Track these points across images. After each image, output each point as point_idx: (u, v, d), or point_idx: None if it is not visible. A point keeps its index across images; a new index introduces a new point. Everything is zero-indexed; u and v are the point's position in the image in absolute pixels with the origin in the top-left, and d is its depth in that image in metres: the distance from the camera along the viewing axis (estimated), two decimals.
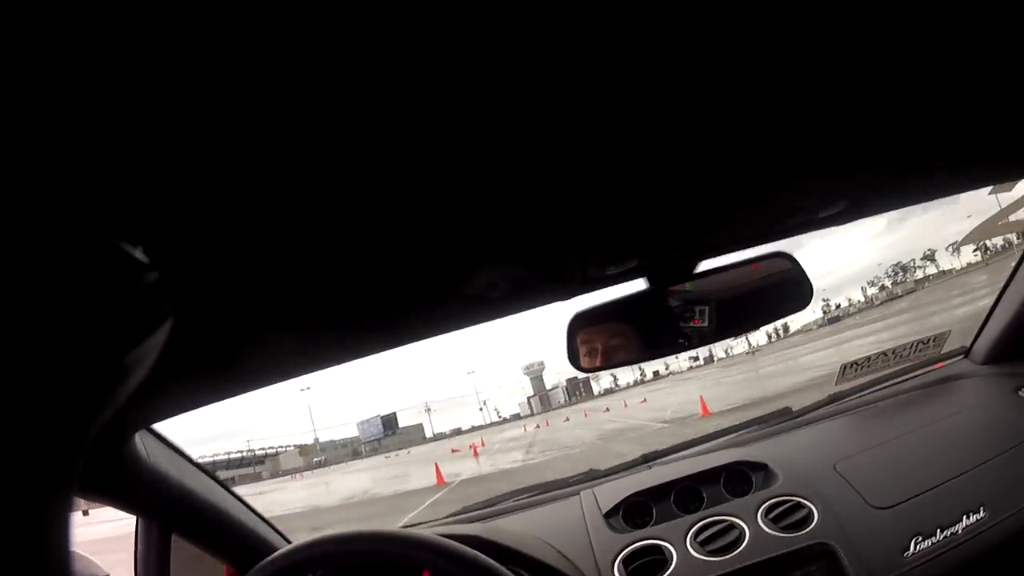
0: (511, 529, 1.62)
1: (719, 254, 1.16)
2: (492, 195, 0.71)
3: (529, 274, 0.99)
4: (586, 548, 1.54)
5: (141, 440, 1.19)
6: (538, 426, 44.08)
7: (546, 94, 0.55)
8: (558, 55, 0.51)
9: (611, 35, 0.51)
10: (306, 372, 1.11)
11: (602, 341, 1.21)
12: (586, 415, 39.31)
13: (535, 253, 0.92)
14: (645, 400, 35.09)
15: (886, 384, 2.18)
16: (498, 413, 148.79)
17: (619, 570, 1.47)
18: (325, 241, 0.70)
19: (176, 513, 1.36)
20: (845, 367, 2.33)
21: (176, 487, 1.30)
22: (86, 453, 0.37)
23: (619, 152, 0.70)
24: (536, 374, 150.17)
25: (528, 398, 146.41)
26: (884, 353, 2.33)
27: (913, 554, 1.43)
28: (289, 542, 1.64)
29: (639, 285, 1.17)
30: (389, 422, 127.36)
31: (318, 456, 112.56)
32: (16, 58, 0.35)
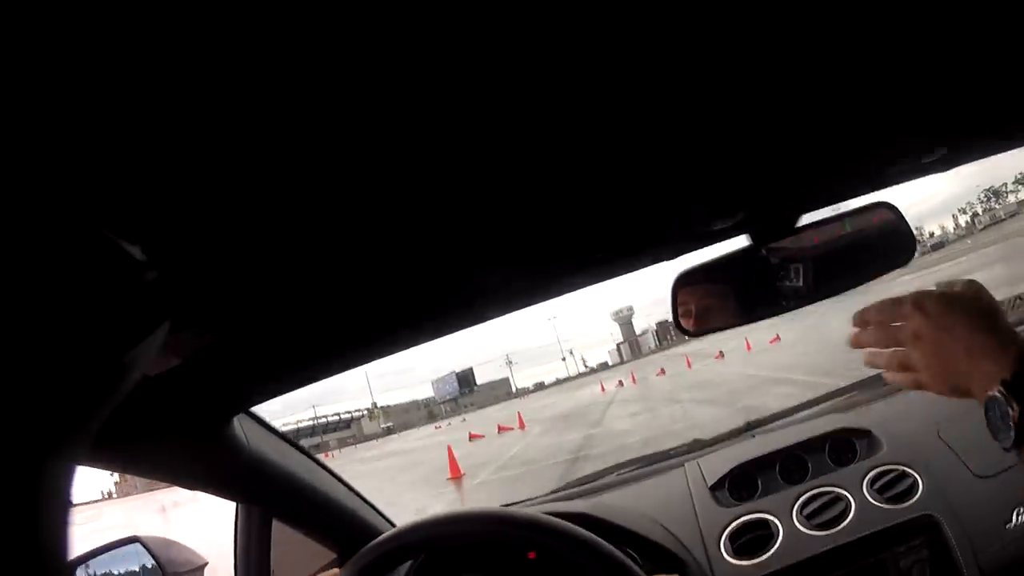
0: (617, 505, 1.65)
1: (822, 205, 1.17)
2: (603, 150, 0.71)
3: (636, 231, 1.00)
4: (692, 523, 1.57)
5: (240, 424, 1.22)
6: (621, 383, 35.92)
7: (647, 39, 0.54)
8: None
9: None
10: (401, 349, 1.13)
11: (700, 303, 1.22)
12: (689, 364, 31.59)
13: (643, 208, 0.92)
14: (748, 349, 28.31)
15: None
16: (584, 363, 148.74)
17: (726, 546, 1.49)
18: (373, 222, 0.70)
19: (277, 498, 1.41)
20: None
21: (277, 471, 1.33)
22: (86, 452, 0.39)
23: (730, 101, 0.69)
24: (625, 320, 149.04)
25: (618, 345, 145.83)
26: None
27: (1015, 526, 1.42)
28: (393, 525, 1.70)
29: (741, 243, 1.17)
30: (465, 379, 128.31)
31: (386, 422, 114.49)
32: (15, 56, 0.35)
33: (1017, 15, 0.72)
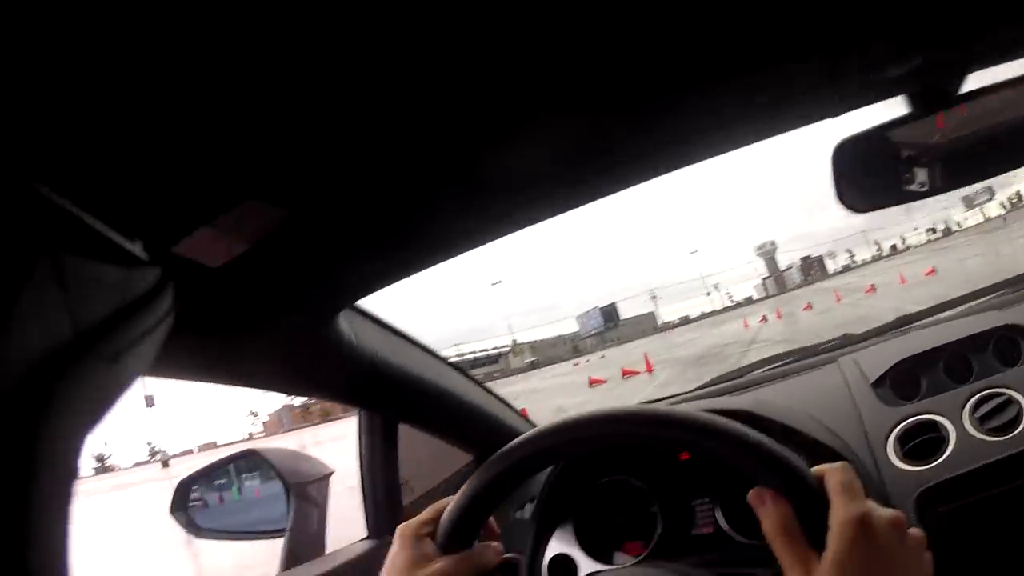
0: (775, 403, 1.54)
1: (997, 62, 1.01)
2: None
3: (801, 74, 0.85)
4: (855, 422, 1.46)
5: (347, 321, 1.12)
6: (764, 319, 33.55)
7: None
8: None
9: None
10: (502, 235, 1.04)
11: (863, 172, 1.09)
12: (838, 298, 29.71)
13: (811, 44, 0.78)
14: (904, 279, 25.85)
15: None
16: (730, 298, 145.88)
17: (894, 448, 1.38)
18: None
19: (398, 401, 1.34)
20: None
21: (396, 372, 1.24)
22: (82, 453, 0.38)
23: None
24: (769, 254, 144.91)
25: (762, 279, 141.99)
26: None
27: None
28: (534, 425, 1.56)
29: (897, 111, 1.03)
30: (609, 313, 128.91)
31: (532, 356, 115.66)
32: (14, 51, 0.36)
33: None
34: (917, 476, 1.32)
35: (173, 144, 0.52)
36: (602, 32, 0.61)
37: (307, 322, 1.04)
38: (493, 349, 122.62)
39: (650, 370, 22.77)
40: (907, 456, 1.36)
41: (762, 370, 1.89)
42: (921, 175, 1.12)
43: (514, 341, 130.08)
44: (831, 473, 0.75)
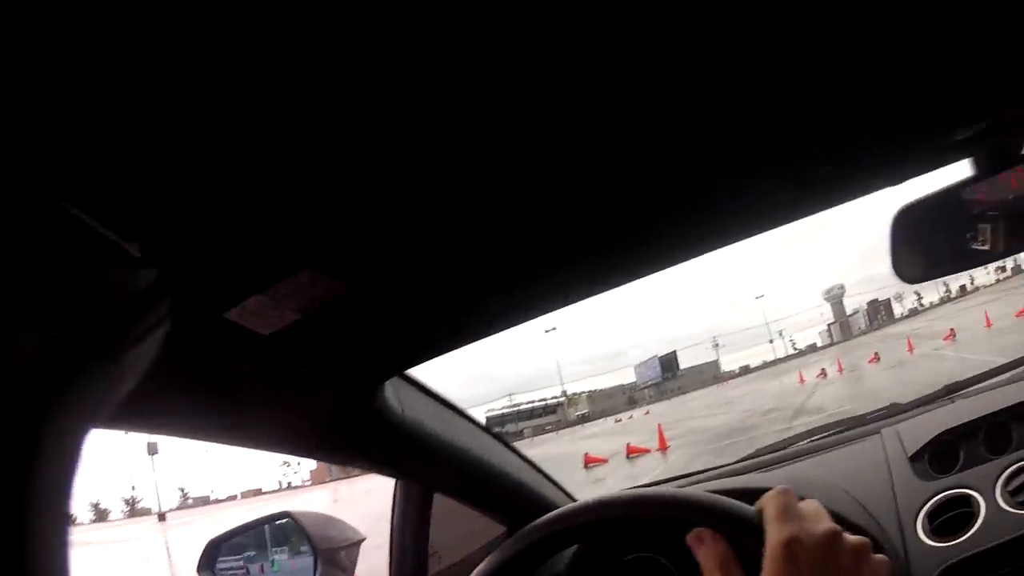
0: (806, 476, 1.58)
1: None
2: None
3: (865, 143, 0.83)
4: (888, 497, 1.45)
5: (394, 389, 1.12)
6: (824, 373, 31.12)
7: None
8: None
9: None
10: (554, 309, 1.03)
11: (923, 240, 1.08)
12: (911, 347, 26.44)
13: (876, 113, 0.76)
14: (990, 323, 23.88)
15: None
16: (793, 345, 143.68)
17: (923, 524, 1.36)
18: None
19: (438, 471, 1.33)
20: None
21: (438, 442, 1.23)
22: (82, 457, 0.37)
23: None
24: (836, 298, 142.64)
25: (828, 325, 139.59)
26: None
27: None
28: (572, 499, 1.62)
29: (961, 173, 1.00)
30: (668, 363, 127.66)
31: (588, 407, 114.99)
32: (12, 53, 0.36)
33: None
34: (942, 552, 1.31)
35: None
36: (655, 110, 0.61)
37: (353, 389, 1.03)
38: (551, 399, 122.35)
39: (664, 448, 19.93)
40: (936, 532, 1.34)
41: (806, 442, 1.90)
42: (983, 240, 1.07)
43: (564, 392, 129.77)
44: (767, 501, 0.75)
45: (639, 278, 1.01)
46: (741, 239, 0.98)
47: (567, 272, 0.94)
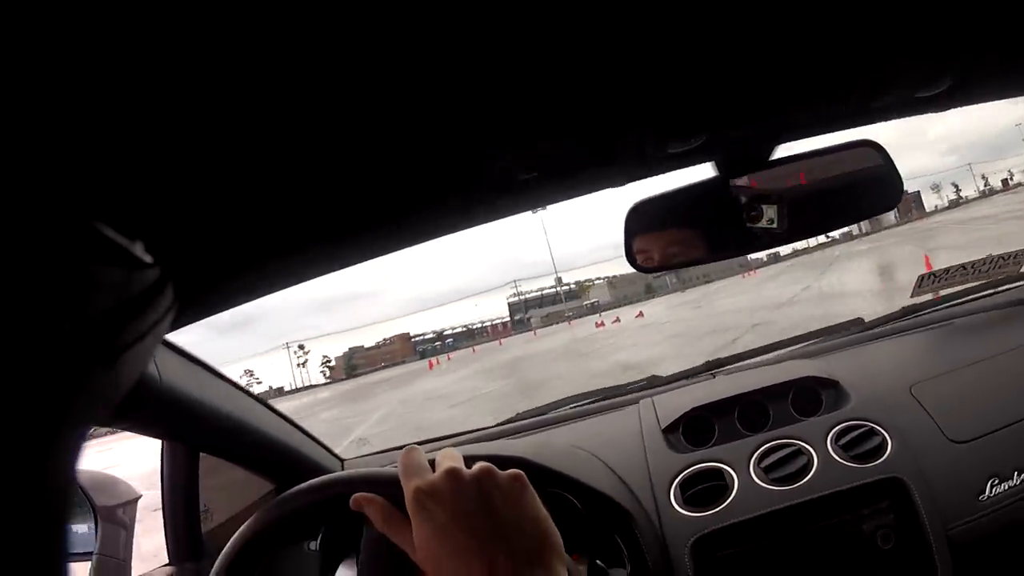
0: (562, 445, 1.62)
1: (798, 137, 1.08)
2: (523, 48, 0.59)
3: (571, 153, 0.89)
4: (641, 466, 1.53)
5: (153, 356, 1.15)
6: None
7: None
8: None
9: None
10: (330, 271, 1.08)
11: (667, 230, 1.16)
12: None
13: (579, 126, 0.81)
14: None
15: (965, 299, 2.09)
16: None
17: (676, 494, 1.45)
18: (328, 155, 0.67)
19: (199, 433, 1.37)
20: (922, 278, 2.24)
21: (197, 403, 1.26)
22: (82, 449, 0.38)
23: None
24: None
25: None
26: (963, 266, 2.22)
27: (988, 497, 1.37)
28: (338, 457, 1.72)
29: (705, 172, 1.09)
30: None
31: (612, 294, 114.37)
32: (14, 54, 0.36)
33: None
34: (696, 523, 1.39)
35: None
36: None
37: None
38: (573, 284, 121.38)
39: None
40: (689, 503, 1.42)
41: (565, 408, 1.97)
42: (714, 236, 1.16)
43: (558, 279, 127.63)
44: (399, 462, 0.82)
45: (401, 248, 1.08)
46: (470, 227, 1.09)
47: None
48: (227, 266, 0.88)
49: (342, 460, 1.80)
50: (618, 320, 29.27)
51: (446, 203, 0.98)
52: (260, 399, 1.52)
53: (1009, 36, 0.86)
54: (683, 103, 0.83)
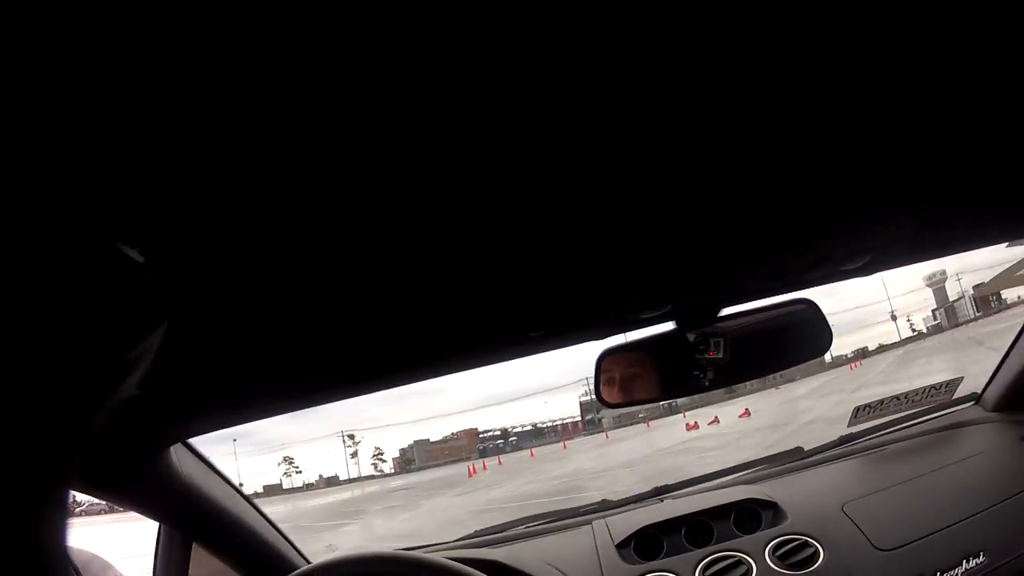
0: (525, 555, 1.76)
1: (745, 301, 1.28)
2: (545, 250, 0.81)
3: (569, 317, 1.11)
4: None
5: (176, 453, 1.35)
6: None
7: (579, 144, 0.59)
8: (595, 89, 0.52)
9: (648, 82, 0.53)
10: (338, 399, 1.27)
11: (630, 372, 1.33)
12: None
13: (578, 305, 1.05)
14: None
15: (897, 428, 2.28)
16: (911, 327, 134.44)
17: None
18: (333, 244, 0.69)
19: (199, 524, 1.54)
20: (858, 409, 2.42)
21: (204, 499, 1.46)
22: (84, 448, 0.40)
23: (657, 210, 0.78)
24: (939, 284, 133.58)
25: (932, 311, 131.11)
26: (896, 397, 2.43)
27: None
28: (307, 560, 1.80)
29: (666, 326, 1.26)
30: None
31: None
32: (16, 59, 0.36)
33: (938, 134, 0.79)
34: None
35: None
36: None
37: (142, 452, 1.25)
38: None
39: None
40: None
41: (524, 527, 2.10)
42: (671, 378, 1.33)
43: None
44: None
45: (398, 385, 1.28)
46: (484, 366, 1.28)
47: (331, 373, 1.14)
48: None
49: (309, 562, 1.87)
50: (716, 420, 23.92)
51: (472, 351, 1.19)
52: (252, 502, 1.68)
53: (919, 224, 1.08)
54: (655, 287, 1.05)
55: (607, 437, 40.18)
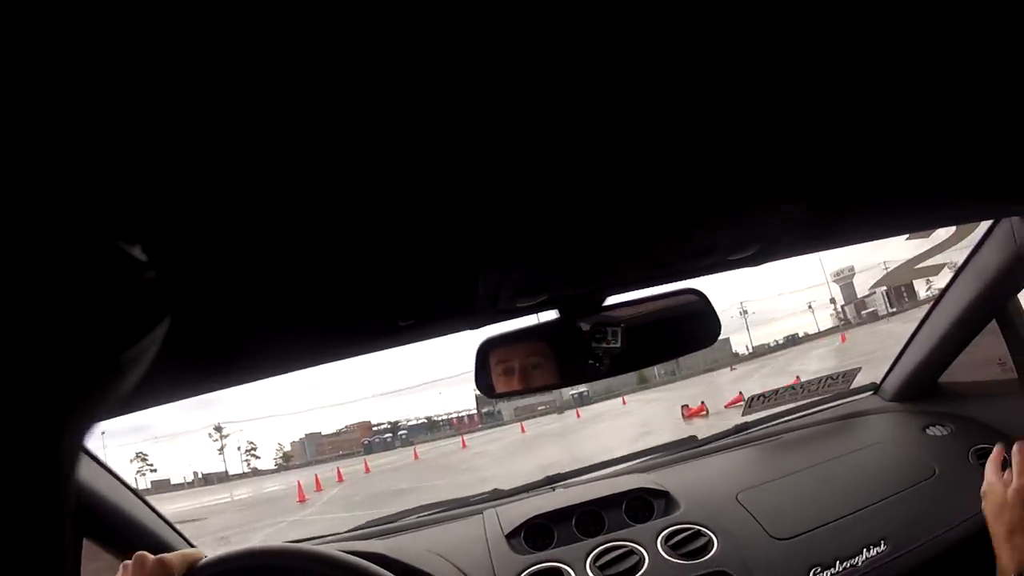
0: (412, 547, 1.76)
1: (629, 290, 1.25)
2: (411, 232, 0.76)
3: (441, 306, 1.06)
4: (487, 568, 1.68)
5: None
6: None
7: (457, 113, 0.56)
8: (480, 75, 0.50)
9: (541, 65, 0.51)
10: (299, 368, 1.18)
11: (520, 361, 1.30)
12: None
13: (449, 289, 0.98)
14: None
15: (794, 416, 2.34)
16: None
17: None
18: (317, 238, 0.71)
19: (84, 516, 1.48)
20: (752, 399, 2.49)
21: (91, 493, 1.44)
22: (84, 448, 0.41)
23: (529, 185, 0.72)
24: (847, 280, 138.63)
25: (841, 306, 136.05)
26: (793, 386, 2.50)
27: None
28: (192, 546, 1.78)
29: (550, 315, 1.24)
30: None
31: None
32: (16, 57, 0.36)
33: (829, 123, 0.76)
34: None
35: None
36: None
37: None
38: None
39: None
40: None
41: (414, 517, 2.10)
42: (557, 367, 1.30)
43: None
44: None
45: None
46: (347, 358, 1.23)
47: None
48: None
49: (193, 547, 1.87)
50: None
51: (333, 342, 1.13)
52: (139, 494, 1.67)
53: (808, 216, 1.05)
54: (527, 275, 1.00)
55: (523, 431, 36.75)
